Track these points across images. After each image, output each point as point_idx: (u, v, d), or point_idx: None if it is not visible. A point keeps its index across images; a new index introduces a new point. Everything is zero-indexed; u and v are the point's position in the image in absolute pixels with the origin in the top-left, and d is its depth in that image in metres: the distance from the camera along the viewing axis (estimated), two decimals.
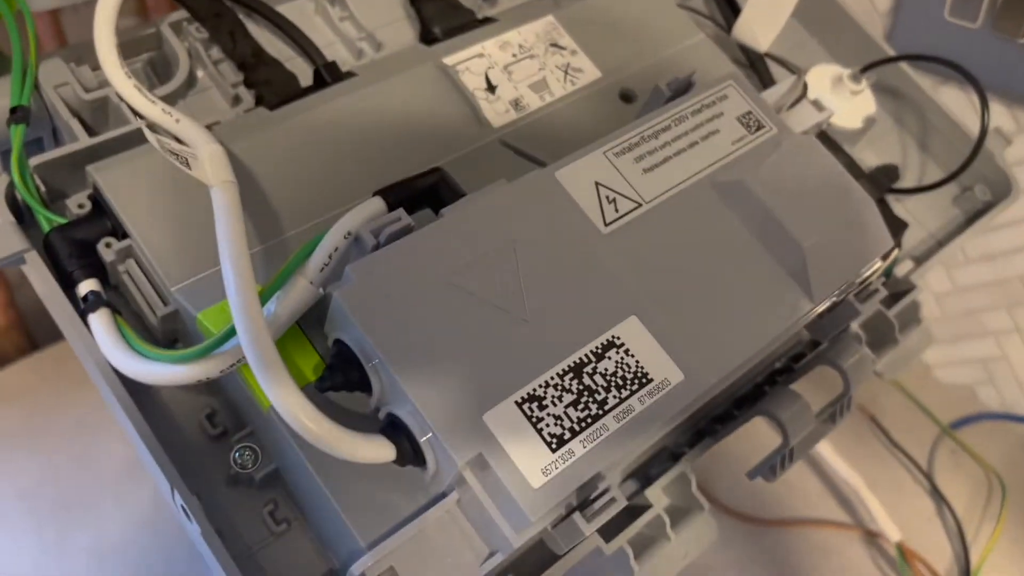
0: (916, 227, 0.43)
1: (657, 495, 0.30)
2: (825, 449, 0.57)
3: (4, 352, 0.53)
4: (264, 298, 0.25)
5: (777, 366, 0.35)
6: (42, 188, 0.29)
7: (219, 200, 0.26)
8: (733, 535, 0.55)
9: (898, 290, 0.38)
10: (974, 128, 0.42)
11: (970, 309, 0.63)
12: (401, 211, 0.25)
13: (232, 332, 0.24)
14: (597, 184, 0.28)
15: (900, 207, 0.43)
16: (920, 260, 0.41)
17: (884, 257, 0.33)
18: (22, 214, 0.29)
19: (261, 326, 0.23)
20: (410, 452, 0.23)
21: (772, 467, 0.31)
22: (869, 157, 0.44)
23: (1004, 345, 0.63)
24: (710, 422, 0.33)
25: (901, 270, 0.40)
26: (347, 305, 0.23)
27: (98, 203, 0.29)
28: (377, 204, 0.27)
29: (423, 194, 0.28)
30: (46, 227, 0.28)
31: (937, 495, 0.59)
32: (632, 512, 0.30)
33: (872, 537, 0.56)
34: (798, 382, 0.33)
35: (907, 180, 0.44)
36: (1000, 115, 0.54)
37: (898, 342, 0.36)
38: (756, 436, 0.37)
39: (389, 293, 0.23)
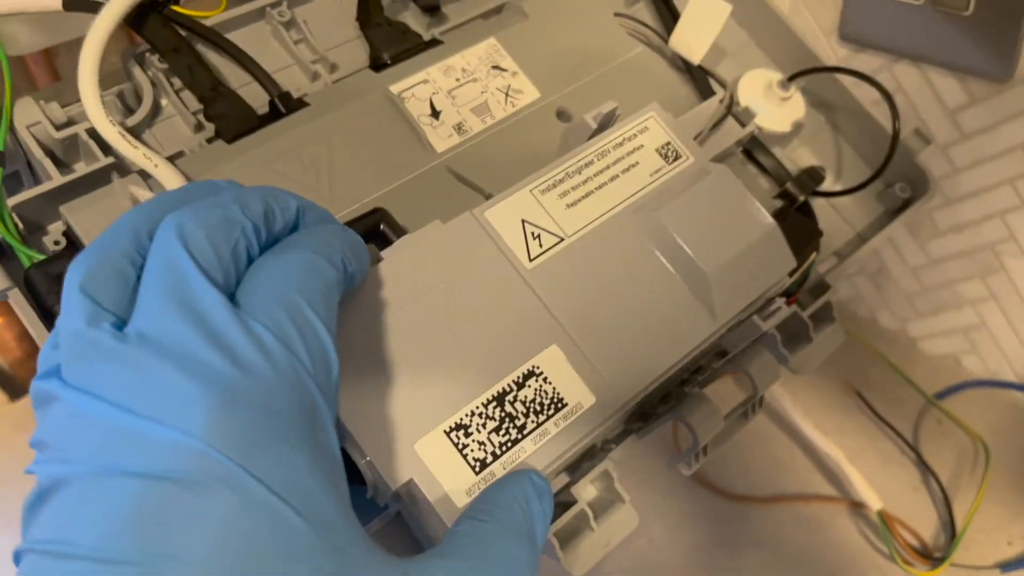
0: (842, 225, 0.46)
1: (586, 489, 0.34)
2: (806, 425, 0.58)
3: (22, 382, 0.55)
4: None
5: (699, 370, 0.38)
6: (20, 225, 0.32)
7: None
8: (725, 515, 0.57)
9: (817, 289, 0.42)
10: (901, 127, 0.44)
11: (946, 280, 0.64)
12: None
13: None
14: (523, 221, 0.31)
15: (828, 206, 0.46)
16: (843, 256, 0.44)
17: (796, 269, 0.36)
18: (3, 250, 0.32)
19: None
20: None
21: (687, 462, 0.35)
22: (805, 156, 0.47)
23: (982, 313, 0.64)
24: (638, 420, 0.36)
25: (824, 267, 0.43)
26: None
27: (72, 240, 0.32)
28: None
29: (367, 233, 0.31)
30: (26, 263, 0.31)
31: (923, 465, 0.61)
32: (561, 506, 0.33)
33: (858, 508, 0.58)
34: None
35: (841, 179, 0.47)
36: (951, 90, 0.56)
37: (812, 340, 0.39)
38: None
39: None
